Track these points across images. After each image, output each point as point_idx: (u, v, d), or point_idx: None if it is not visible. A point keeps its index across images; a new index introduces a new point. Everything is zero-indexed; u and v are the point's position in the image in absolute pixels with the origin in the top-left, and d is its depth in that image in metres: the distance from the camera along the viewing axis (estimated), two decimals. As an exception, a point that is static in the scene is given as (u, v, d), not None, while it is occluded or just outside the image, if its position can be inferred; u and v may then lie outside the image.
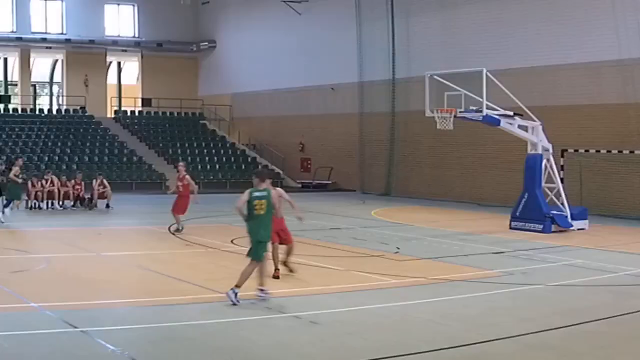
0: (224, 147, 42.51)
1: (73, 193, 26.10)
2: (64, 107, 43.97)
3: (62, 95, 45.49)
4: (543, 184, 21.29)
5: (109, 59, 45.96)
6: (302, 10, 38.43)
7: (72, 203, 26.05)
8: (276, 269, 12.92)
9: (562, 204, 21.32)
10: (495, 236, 19.96)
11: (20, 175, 22.47)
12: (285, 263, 13.21)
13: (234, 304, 10.54)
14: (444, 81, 21.61)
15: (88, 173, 32.30)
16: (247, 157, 41.69)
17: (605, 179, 25.75)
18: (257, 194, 11.24)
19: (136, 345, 8.79)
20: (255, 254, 11.03)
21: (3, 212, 21.43)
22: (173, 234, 19.05)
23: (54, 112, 43.55)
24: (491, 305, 11.35)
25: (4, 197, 22.10)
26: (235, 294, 10.64)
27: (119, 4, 45.83)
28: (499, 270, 14.38)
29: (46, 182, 25.80)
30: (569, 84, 26.98)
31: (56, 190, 25.85)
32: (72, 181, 26.44)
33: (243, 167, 40.47)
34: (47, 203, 25.72)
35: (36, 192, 25.59)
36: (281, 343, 8.97)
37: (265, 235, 11.22)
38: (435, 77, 21.97)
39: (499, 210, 25.82)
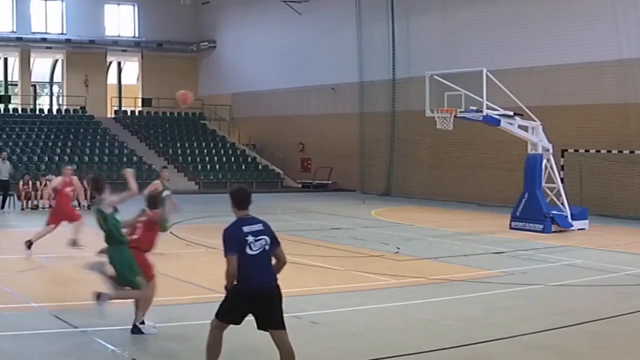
0: (224, 147, 42.51)
1: (84, 194, 26.13)
2: (64, 107, 43.97)
3: (62, 95, 45.50)
4: (543, 184, 21.29)
5: (109, 59, 45.97)
6: (302, 10, 38.43)
7: (86, 204, 26.11)
8: None
9: (562, 204, 21.31)
10: (495, 236, 19.95)
11: None
12: None
13: None
14: (444, 81, 21.62)
15: (89, 173, 32.34)
16: (247, 157, 41.69)
17: (605, 179, 25.75)
18: None
19: (136, 345, 8.79)
20: None
21: None
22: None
23: (54, 112, 43.55)
24: (491, 305, 11.35)
25: None
26: None
27: (119, 4, 45.84)
28: (499, 270, 14.38)
29: (40, 184, 25.80)
30: (569, 84, 26.97)
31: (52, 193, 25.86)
32: (84, 182, 26.50)
33: (243, 167, 40.48)
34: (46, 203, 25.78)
35: (26, 192, 25.57)
36: (281, 343, 8.95)
37: None
38: (435, 77, 21.98)
39: (499, 210, 25.82)
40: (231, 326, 7.34)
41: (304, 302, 11.27)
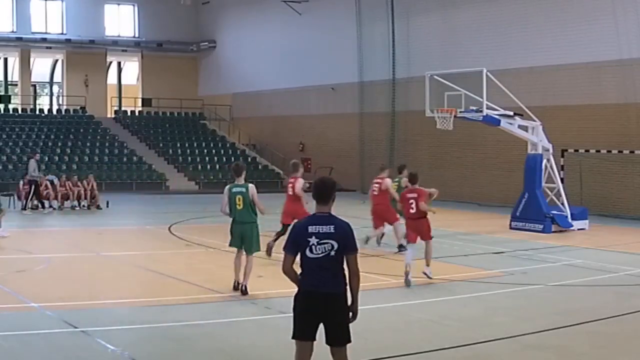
0: (224, 147, 42.51)
1: (84, 193, 26.25)
2: (64, 107, 43.98)
3: (62, 95, 45.51)
4: (543, 184, 21.28)
5: (109, 59, 45.97)
6: (302, 10, 38.42)
7: (85, 204, 26.16)
8: None
9: (562, 204, 21.31)
10: (495, 236, 19.95)
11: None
12: None
13: None
14: (444, 81, 21.61)
15: (88, 173, 32.36)
16: (247, 157, 41.67)
17: (605, 179, 25.73)
18: None
19: (136, 345, 8.79)
20: None
21: None
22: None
23: (54, 112, 43.57)
24: (491, 305, 11.35)
25: None
26: None
27: (119, 4, 45.83)
28: (499, 270, 14.37)
29: (40, 185, 25.81)
30: (569, 84, 26.95)
31: (51, 193, 25.92)
32: (84, 182, 26.64)
33: (243, 167, 40.41)
34: (43, 203, 25.80)
35: (26, 192, 25.59)
36: (281, 343, 8.95)
37: None
38: (435, 77, 21.97)
39: (499, 210, 25.81)
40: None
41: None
